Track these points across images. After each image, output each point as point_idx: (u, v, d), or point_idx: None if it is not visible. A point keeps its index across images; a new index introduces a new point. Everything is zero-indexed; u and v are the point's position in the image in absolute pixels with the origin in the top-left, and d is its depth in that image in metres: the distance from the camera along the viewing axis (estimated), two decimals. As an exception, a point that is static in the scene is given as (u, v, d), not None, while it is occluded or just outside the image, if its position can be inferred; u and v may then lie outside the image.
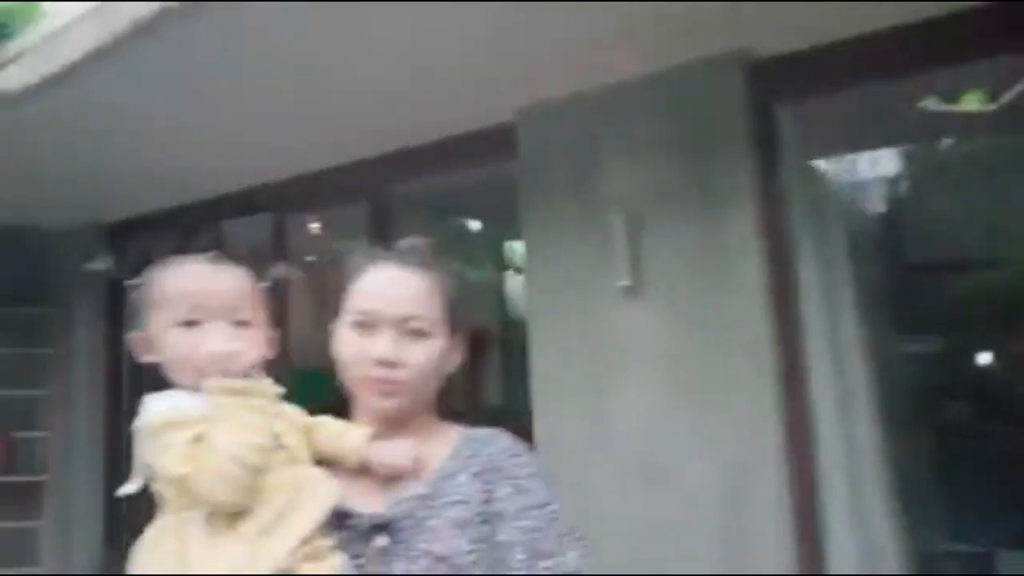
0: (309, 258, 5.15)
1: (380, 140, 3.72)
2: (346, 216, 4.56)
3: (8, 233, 5.57)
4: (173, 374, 1.00)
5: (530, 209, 3.25)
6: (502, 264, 4.89)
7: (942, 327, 4.78)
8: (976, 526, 3.93)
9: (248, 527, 0.91)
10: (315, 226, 4.87)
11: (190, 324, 0.98)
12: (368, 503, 1.03)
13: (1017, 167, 4.16)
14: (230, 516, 0.91)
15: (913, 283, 4.44)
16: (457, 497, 1.03)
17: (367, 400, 1.10)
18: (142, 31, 2.57)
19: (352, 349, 1.09)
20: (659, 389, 2.82)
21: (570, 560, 1.01)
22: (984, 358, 5.31)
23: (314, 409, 1.12)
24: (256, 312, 1.04)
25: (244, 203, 4.58)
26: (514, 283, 4.77)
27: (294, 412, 1.07)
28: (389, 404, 1.08)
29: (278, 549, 0.90)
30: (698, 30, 2.58)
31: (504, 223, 4.71)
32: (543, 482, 1.08)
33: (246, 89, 3.15)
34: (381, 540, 0.99)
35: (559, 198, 3.15)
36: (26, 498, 5.48)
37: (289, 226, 4.49)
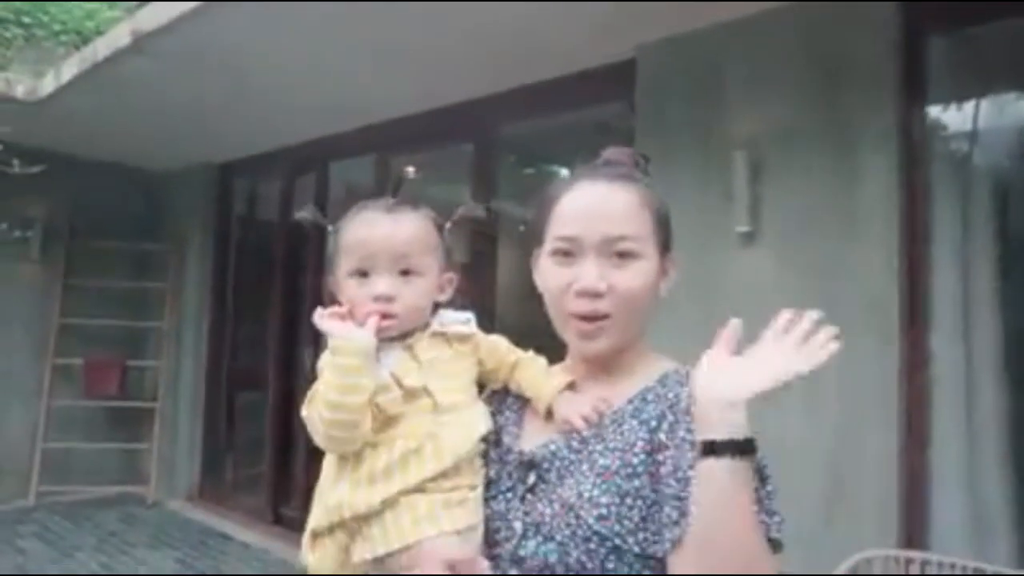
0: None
1: (491, 79, 3.65)
2: (448, 160, 4.54)
3: (127, 173, 5.88)
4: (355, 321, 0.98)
5: (645, 150, 3.08)
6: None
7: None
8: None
9: (361, 471, 0.92)
10: (411, 169, 4.86)
11: (362, 275, 0.98)
12: (538, 439, 0.97)
13: None
14: (356, 456, 0.93)
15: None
16: (615, 444, 0.91)
17: (574, 344, 0.99)
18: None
19: (554, 282, 0.97)
20: (771, 342, 2.65)
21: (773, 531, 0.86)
22: None
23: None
24: (427, 258, 1.00)
25: (349, 144, 4.62)
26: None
27: (501, 346, 1.05)
28: (595, 347, 0.97)
29: (374, 496, 0.90)
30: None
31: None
32: None
33: (355, 30, 3.13)
34: (531, 478, 0.93)
35: (677, 139, 2.99)
36: (137, 422, 5.83)
37: (393, 168, 4.50)
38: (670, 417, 0.91)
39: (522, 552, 0.89)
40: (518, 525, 0.90)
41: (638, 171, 1.04)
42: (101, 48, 3.74)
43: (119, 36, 3.59)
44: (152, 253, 5.96)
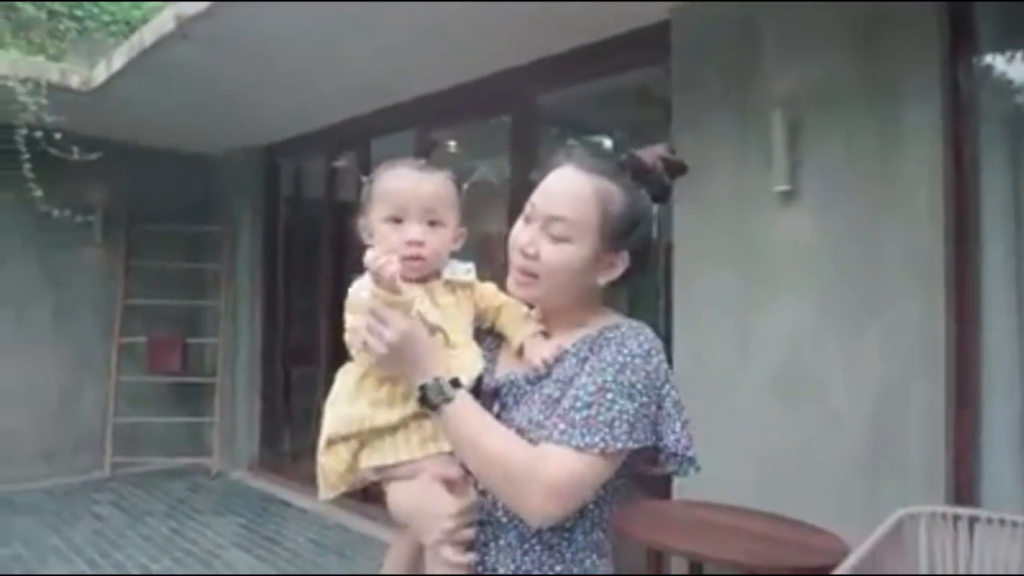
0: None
1: (526, 48, 3.64)
2: (489, 133, 4.56)
3: (180, 158, 6.08)
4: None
5: (682, 112, 3.06)
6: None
7: None
8: None
9: (381, 392, 1.09)
10: (452, 143, 4.90)
11: (396, 221, 1.12)
12: (509, 371, 1.15)
13: None
14: (378, 380, 1.10)
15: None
16: (556, 376, 1.09)
17: (509, 286, 1.15)
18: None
19: (512, 235, 1.14)
20: (809, 303, 2.64)
21: (581, 440, 1.00)
22: None
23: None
24: (449, 212, 1.15)
25: (389, 121, 4.67)
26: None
27: (490, 291, 1.21)
28: (521, 293, 1.14)
29: (392, 415, 1.07)
30: None
31: (642, 140, 4.52)
32: (628, 374, 1.03)
33: (391, 7, 3.15)
34: (495, 406, 1.12)
35: (714, 100, 2.95)
36: (199, 397, 6.10)
37: (428, 143, 4.54)
38: (590, 354, 1.08)
39: None
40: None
41: (611, 170, 1.12)
42: (147, 35, 3.85)
43: (164, 23, 3.70)
44: (206, 235, 6.17)
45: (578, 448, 0.99)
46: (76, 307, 5.71)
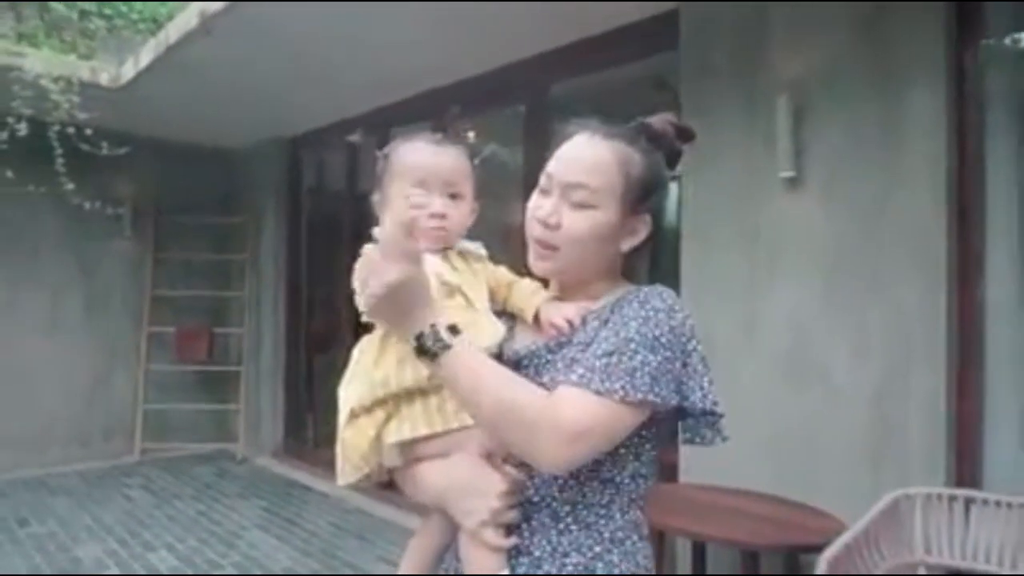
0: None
1: (539, 39, 3.69)
2: (506, 122, 4.61)
3: (205, 152, 6.24)
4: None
5: (690, 99, 3.09)
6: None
7: None
8: None
9: (407, 348, 0.97)
10: (471, 133, 4.96)
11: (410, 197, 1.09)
12: (530, 342, 1.11)
13: None
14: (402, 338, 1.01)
15: None
16: (578, 339, 1.04)
17: (529, 260, 1.11)
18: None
19: (529, 208, 1.10)
20: (814, 285, 2.66)
21: (600, 385, 0.95)
22: None
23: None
24: (468, 185, 1.14)
25: (407, 112, 4.76)
26: (672, 191, 4.59)
27: (501, 271, 1.19)
28: (540, 266, 1.09)
29: (421, 370, 0.98)
30: None
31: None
32: (650, 328, 0.98)
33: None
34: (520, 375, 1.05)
35: (721, 87, 2.98)
36: (225, 385, 6.27)
37: (448, 132, 4.60)
38: (613, 313, 1.04)
39: None
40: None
41: (626, 134, 1.09)
42: (172, 32, 3.98)
43: (188, 19, 3.82)
44: (232, 226, 6.32)
45: (597, 392, 0.94)
46: (107, 298, 5.91)
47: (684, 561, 2.88)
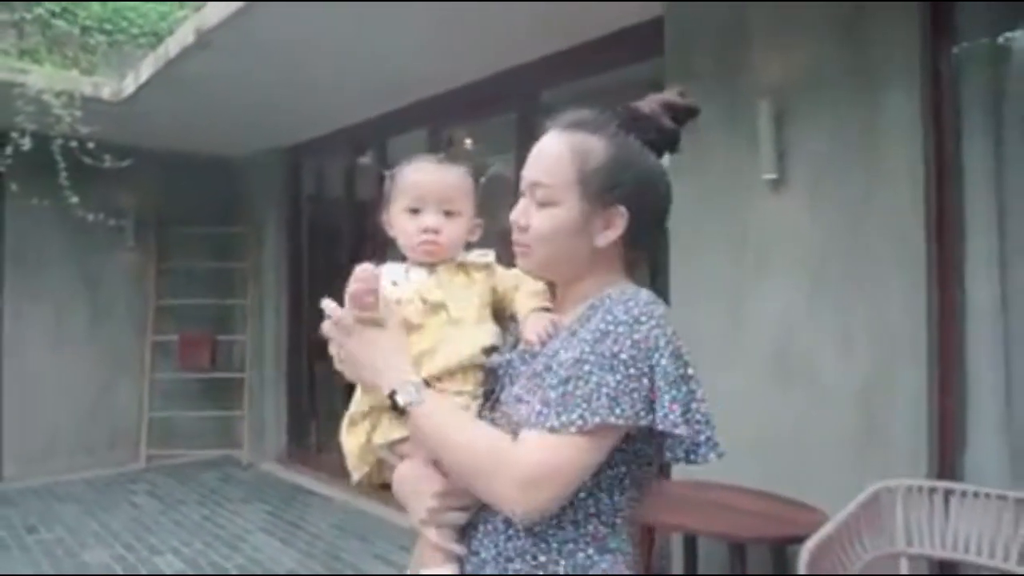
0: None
1: (530, 47, 3.77)
2: (497, 130, 4.69)
3: (206, 163, 6.33)
4: (403, 250, 1.18)
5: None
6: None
7: None
8: None
9: None
10: (468, 141, 5.05)
11: (414, 211, 1.16)
12: (508, 353, 1.12)
13: None
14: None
15: None
16: (545, 351, 1.03)
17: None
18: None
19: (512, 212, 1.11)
20: (800, 286, 2.72)
21: (556, 420, 0.93)
22: None
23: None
24: (465, 203, 1.18)
25: (403, 121, 4.84)
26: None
27: (509, 275, 1.20)
28: (521, 264, 1.11)
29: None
30: None
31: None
32: (609, 344, 0.94)
33: (400, 11, 3.29)
34: (497, 388, 1.08)
35: (705, 90, 3.03)
36: (229, 392, 6.35)
37: (443, 140, 4.69)
38: (578, 326, 1.02)
39: None
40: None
41: (580, 124, 1.07)
42: (172, 47, 4.06)
43: (186, 34, 3.90)
44: (233, 236, 6.41)
45: (552, 429, 0.92)
46: (111, 308, 6.00)
47: (677, 554, 2.94)
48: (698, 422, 0.96)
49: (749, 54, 2.89)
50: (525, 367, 1.05)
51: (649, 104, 1.07)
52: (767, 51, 2.84)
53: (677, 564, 2.94)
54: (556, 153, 1.05)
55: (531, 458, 0.92)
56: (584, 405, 0.92)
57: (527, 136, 4.05)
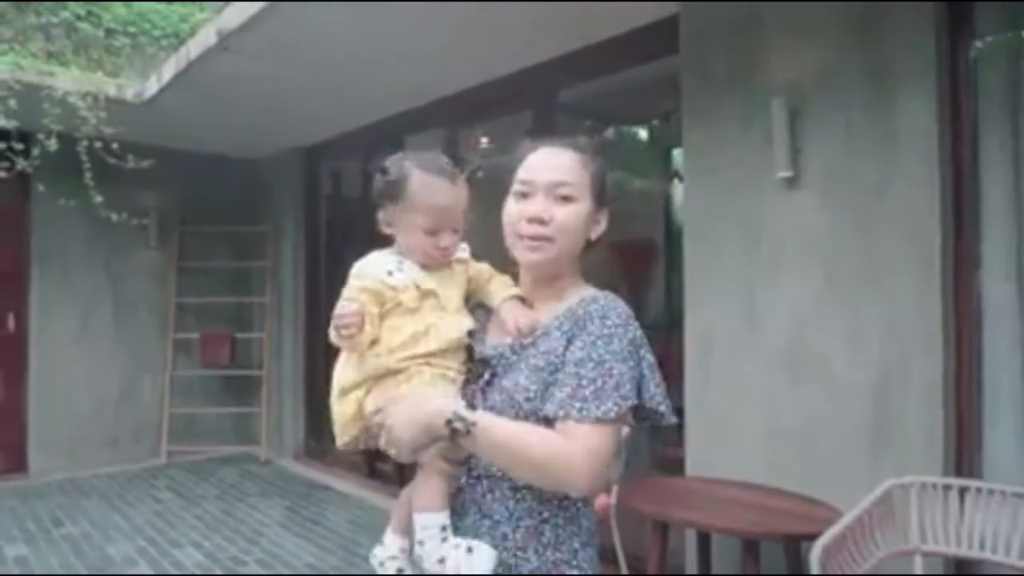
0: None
1: (543, 47, 3.79)
2: (512, 128, 4.71)
3: (226, 163, 6.42)
4: (408, 251, 1.29)
5: (691, 103, 3.17)
6: (669, 173, 4.80)
7: None
8: None
9: (381, 347, 1.21)
10: (484, 139, 5.08)
11: (431, 233, 1.26)
12: (497, 343, 1.28)
13: None
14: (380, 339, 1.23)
15: None
16: (543, 348, 1.21)
17: (520, 256, 1.26)
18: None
19: (510, 215, 1.27)
20: (814, 283, 2.72)
21: (598, 411, 1.13)
22: None
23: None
24: (465, 218, 1.31)
25: (420, 120, 4.88)
26: (679, 193, 4.65)
27: (482, 267, 1.36)
28: (537, 256, 1.24)
29: (392, 360, 1.20)
30: None
31: (672, 130, 4.63)
32: (617, 343, 1.17)
33: (417, 11, 3.33)
34: (487, 374, 1.25)
35: (720, 89, 3.05)
36: (247, 389, 6.43)
37: (459, 139, 4.73)
38: (576, 329, 1.21)
39: None
40: (479, 408, 1.20)
41: (582, 146, 1.30)
42: (193, 49, 4.13)
43: (207, 36, 3.97)
44: (252, 235, 6.49)
45: (599, 420, 1.12)
46: (134, 306, 6.10)
47: (690, 551, 2.95)
48: (666, 398, 1.23)
49: (764, 52, 2.89)
50: (516, 357, 1.23)
51: (586, 141, 1.32)
52: (782, 49, 2.84)
53: (691, 561, 2.95)
54: (570, 159, 1.26)
55: (588, 447, 1.12)
56: (615, 394, 1.15)
57: (542, 134, 4.10)
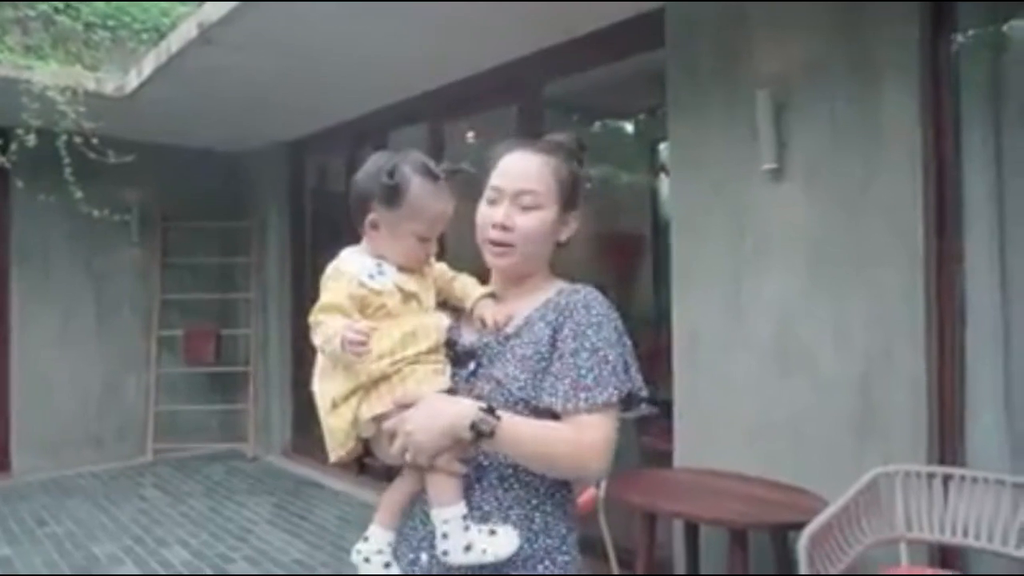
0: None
1: (529, 40, 3.77)
2: (498, 122, 4.70)
3: (209, 157, 6.36)
4: (383, 250, 1.29)
5: (677, 96, 3.18)
6: (655, 167, 4.81)
7: None
8: None
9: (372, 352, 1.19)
10: (471, 134, 5.06)
11: (424, 239, 1.28)
12: (473, 336, 1.31)
13: None
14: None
15: None
16: (528, 339, 1.24)
17: (487, 260, 1.31)
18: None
19: (481, 218, 1.30)
20: (799, 275, 2.74)
21: (601, 397, 1.17)
22: None
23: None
24: None
25: (404, 114, 4.86)
26: (666, 186, 4.66)
27: (443, 269, 1.38)
28: (502, 262, 1.29)
29: (383, 364, 1.20)
30: None
31: (657, 124, 4.64)
32: (605, 330, 1.21)
33: (399, 5, 3.30)
34: (471, 364, 1.27)
35: (706, 83, 3.06)
36: (234, 386, 6.39)
37: (445, 133, 4.71)
38: (562, 319, 1.24)
39: None
40: (465, 398, 1.20)
41: (553, 147, 1.31)
42: (174, 42, 4.07)
43: (188, 30, 3.92)
44: (237, 230, 6.44)
45: (605, 405, 1.18)
46: (117, 303, 6.03)
47: (678, 541, 2.97)
48: (643, 383, 1.26)
49: (749, 46, 2.90)
50: (502, 347, 1.26)
51: (570, 140, 1.34)
52: (767, 43, 2.85)
53: (678, 551, 2.97)
54: (538, 166, 1.28)
55: (598, 435, 1.18)
56: (614, 380, 1.19)
57: (528, 128, 4.09)
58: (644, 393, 1.25)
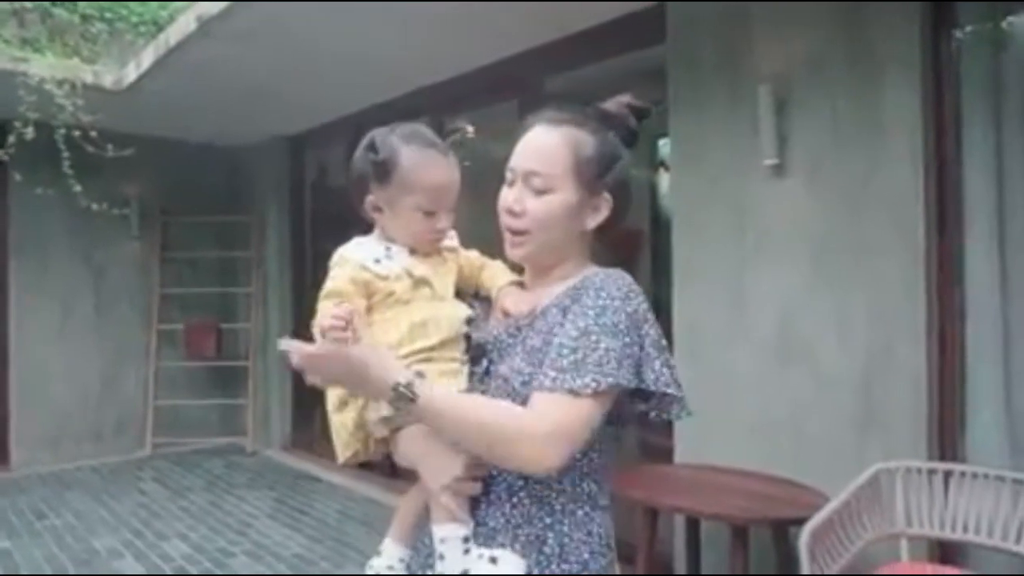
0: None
1: (529, 35, 3.76)
2: (499, 117, 4.68)
3: (209, 151, 6.34)
4: (392, 232, 1.19)
5: (678, 91, 3.17)
6: (654, 163, 4.80)
7: None
8: None
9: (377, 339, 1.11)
10: (470, 128, 5.04)
11: (428, 213, 1.16)
12: (493, 331, 1.19)
13: None
14: (374, 335, 1.13)
15: None
16: (540, 328, 1.11)
17: (506, 250, 1.19)
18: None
19: (501, 201, 1.17)
20: (800, 271, 2.74)
21: (573, 382, 1.00)
22: None
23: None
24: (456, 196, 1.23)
25: (403, 108, 4.83)
26: (666, 181, 4.66)
27: (472, 256, 1.29)
28: (515, 253, 1.17)
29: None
30: None
31: (658, 119, 4.63)
32: (609, 316, 1.04)
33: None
34: (484, 363, 1.16)
35: (706, 77, 3.05)
36: (234, 380, 6.38)
37: (446, 127, 4.69)
38: (570, 302, 1.10)
39: None
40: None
41: (601, 119, 1.16)
42: (172, 35, 4.06)
43: (187, 22, 3.90)
44: (237, 224, 6.42)
45: (571, 391, 1.00)
46: (116, 297, 6.02)
47: (679, 536, 2.97)
48: (678, 384, 1.08)
49: (750, 41, 2.89)
50: (513, 340, 1.14)
51: (616, 105, 1.18)
52: (768, 38, 2.84)
53: (680, 546, 2.98)
54: (551, 144, 1.13)
55: (551, 418, 1.00)
56: (596, 369, 1.01)
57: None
58: (672, 390, 1.06)
